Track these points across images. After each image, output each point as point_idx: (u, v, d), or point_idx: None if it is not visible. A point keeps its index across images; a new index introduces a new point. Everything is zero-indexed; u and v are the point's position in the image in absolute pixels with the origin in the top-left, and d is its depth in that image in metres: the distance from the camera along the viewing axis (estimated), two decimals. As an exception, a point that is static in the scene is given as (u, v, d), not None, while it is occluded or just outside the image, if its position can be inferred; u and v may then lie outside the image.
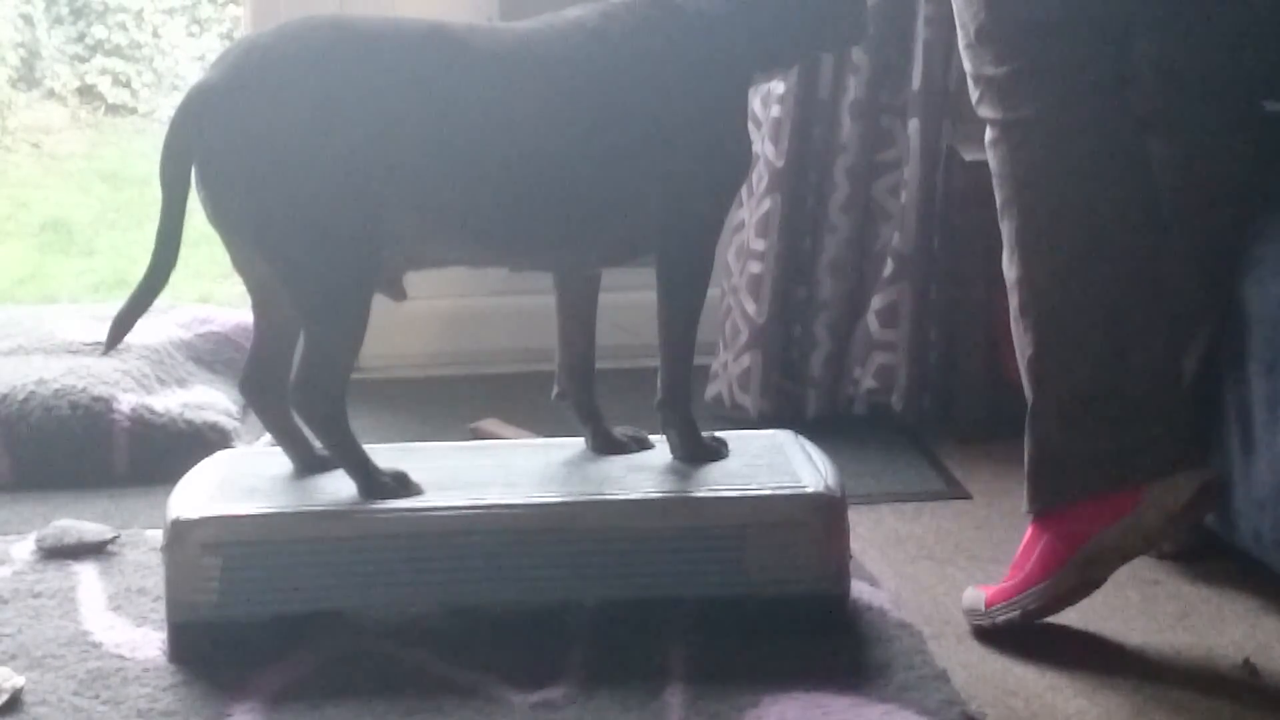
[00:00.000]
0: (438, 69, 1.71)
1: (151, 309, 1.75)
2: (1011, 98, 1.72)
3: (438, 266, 1.83)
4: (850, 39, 1.94)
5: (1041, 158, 1.71)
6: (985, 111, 1.77)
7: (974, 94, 1.78)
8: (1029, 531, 1.76)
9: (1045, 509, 1.74)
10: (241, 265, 1.77)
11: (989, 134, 1.77)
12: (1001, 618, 1.74)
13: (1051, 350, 1.72)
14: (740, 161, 1.84)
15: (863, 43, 2.17)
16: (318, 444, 1.79)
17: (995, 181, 1.77)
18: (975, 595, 1.81)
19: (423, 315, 2.84)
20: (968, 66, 1.79)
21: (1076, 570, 1.70)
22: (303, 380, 1.72)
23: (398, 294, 1.83)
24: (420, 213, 1.71)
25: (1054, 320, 1.72)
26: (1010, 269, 1.76)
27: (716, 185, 1.81)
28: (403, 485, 1.73)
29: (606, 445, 1.87)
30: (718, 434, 1.86)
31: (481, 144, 1.71)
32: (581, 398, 1.87)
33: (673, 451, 1.83)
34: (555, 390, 1.89)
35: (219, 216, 1.71)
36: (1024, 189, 1.73)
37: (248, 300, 1.80)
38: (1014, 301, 1.76)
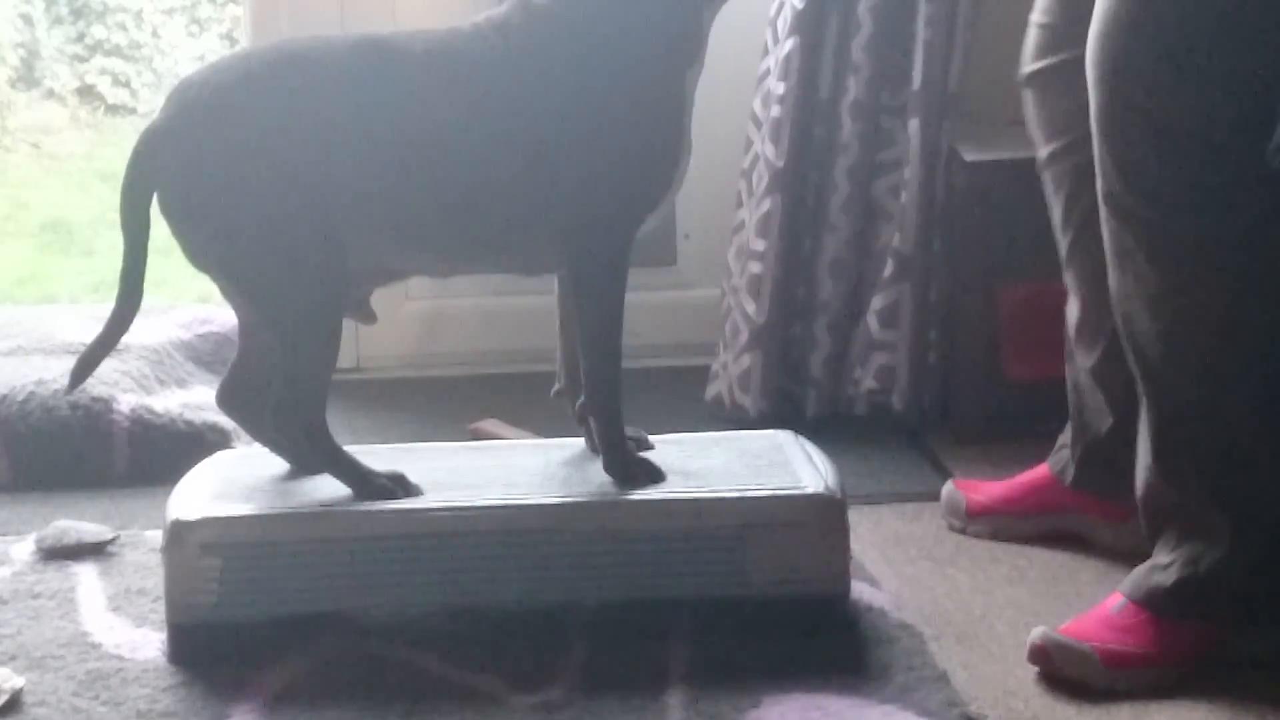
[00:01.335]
0: (368, 80, 1.72)
1: (152, 309, 1.76)
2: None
3: (396, 280, 1.84)
4: None
5: None
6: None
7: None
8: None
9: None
10: (224, 292, 1.79)
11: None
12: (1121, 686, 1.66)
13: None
14: (655, 160, 1.77)
15: None
16: None
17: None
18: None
19: (423, 315, 2.84)
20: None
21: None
22: (280, 402, 1.74)
23: (367, 317, 1.84)
24: (370, 224, 1.72)
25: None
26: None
27: (626, 184, 1.76)
28: (400, 486, 1.73)
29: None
30: (651, 462, 1.79)
31: (413, 149, 1.72)
32: (579, 398, 1.87)
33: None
34: (555, 387, 1.89)
35: (188, 252, 1.75)
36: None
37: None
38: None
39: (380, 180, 1.71)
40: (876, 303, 2.53)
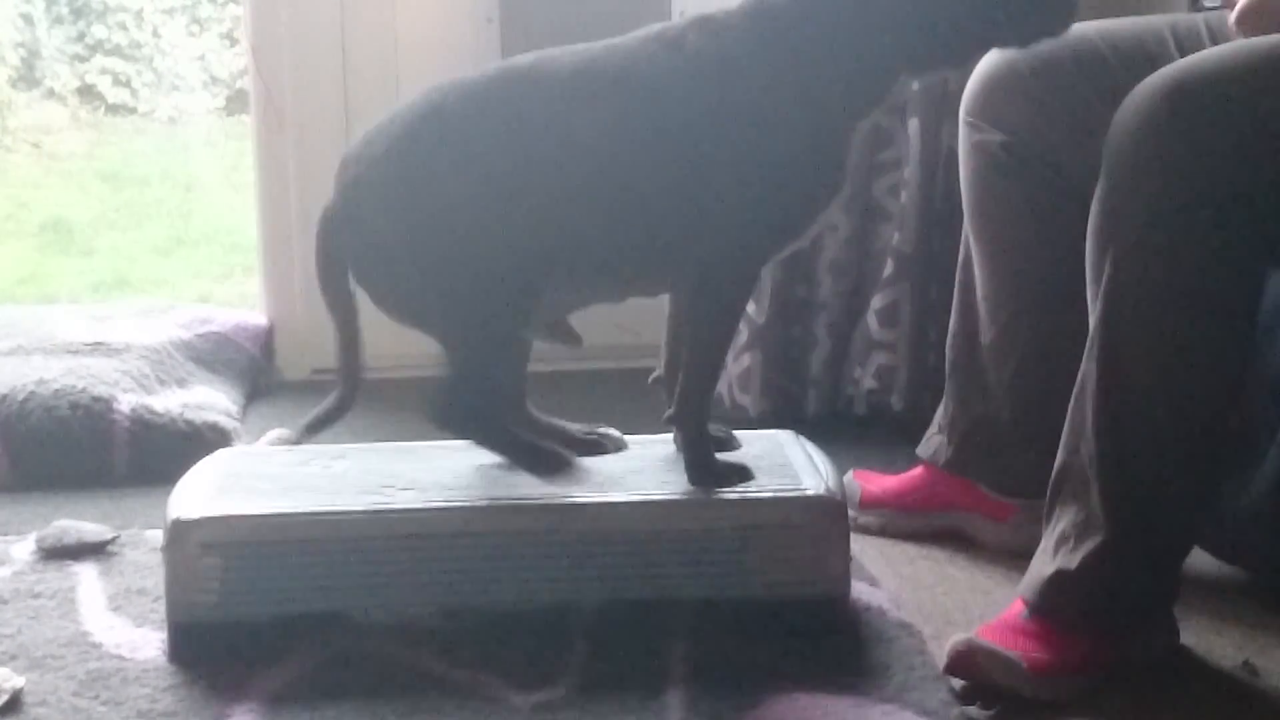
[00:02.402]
0: (517, 113, 1.70)
1: (151, 309, 1.76)
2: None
3: (581, 307, 1.83)
4: (1043, 29, 1.71)
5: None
6: None
7: None
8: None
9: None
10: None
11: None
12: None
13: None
14: (810, 199, 1.72)
15: (1065, 29, 1.72)
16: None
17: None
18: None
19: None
20: None
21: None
22: (447, 402, 1.77)
23: (572, 340, 1.86)
24: (550, 259, 1.71)
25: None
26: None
27: (777, 217, 1.72)
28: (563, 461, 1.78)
29: None
30: (738, 463, 1.79)
31: (593, 175, 1.69)
32: (674, 391, 1.85)
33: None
34: (654, 374, 1.89)
35: (394, 316, 1.78)
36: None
37: (247, 300, 1.81)
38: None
39: (558, 210, 1.69)
40: (876, 303, 2.53)
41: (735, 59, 1.68)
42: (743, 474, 1.75)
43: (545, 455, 1.79)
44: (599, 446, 1.86)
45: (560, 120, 1.70)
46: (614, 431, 1.89)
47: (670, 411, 1.82)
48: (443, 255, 1.70)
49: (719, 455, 1.78)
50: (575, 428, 1.88)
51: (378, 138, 1.74)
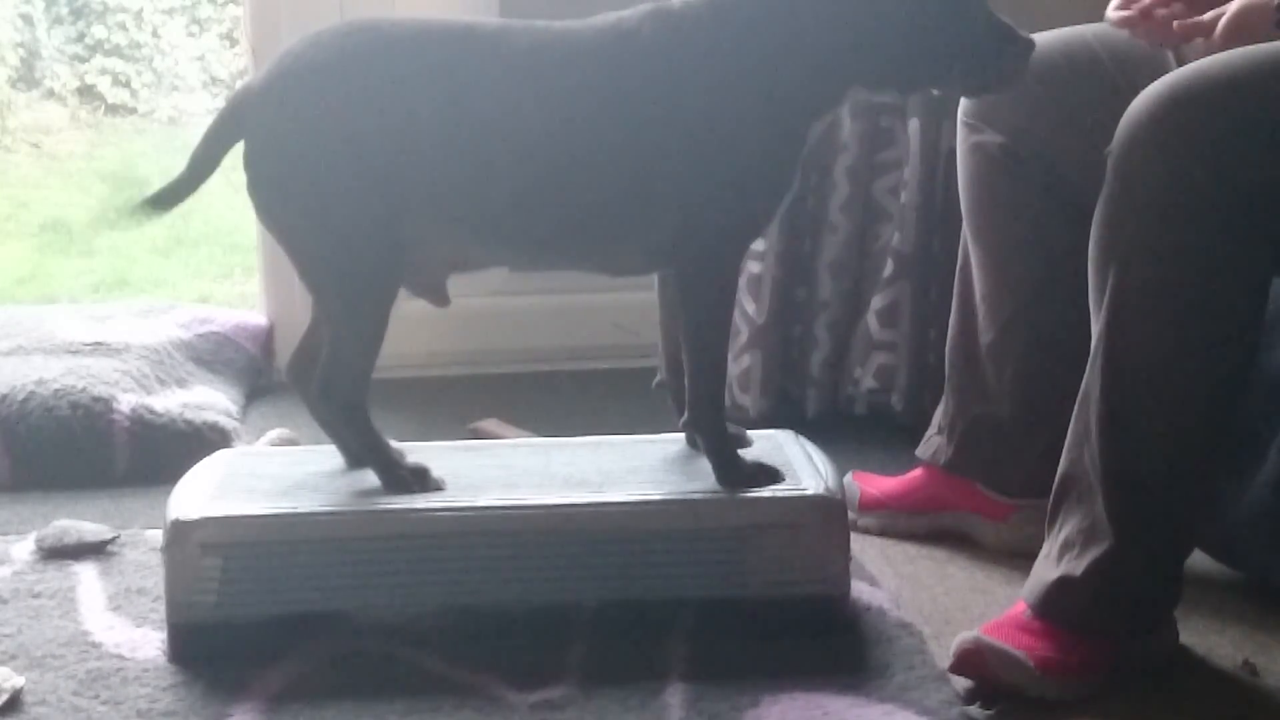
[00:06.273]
0: (462, 68, 1.71)
1: (152, 309, 1.76)
2: None
3: (476, 269, 1.83)
4: (983, 84, 1.76)
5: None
6: None
7: None
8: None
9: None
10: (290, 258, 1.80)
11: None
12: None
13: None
14: (766, 191, 1.75)
15: (1006, 91, 1.80)
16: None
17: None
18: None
19: (423, 315, 2.83)
20: None
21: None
22: (324, 380, 1.75)
23: (440, 299, 1.85)
24: (447, 214, 1.72)
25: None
26: None
27: (735, 210, 1.74)
28: (420, 481, 1.75)
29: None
30: (765, 463, 1.79)
31: (500, 144, 1.71)
32: (679, 389, 1.86)
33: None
34: (656, 379, 1.89)
35: (258, 208, 1.77)
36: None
37: (247, 300, 1.81)
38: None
39: (462, 171, 1.71)
40: (876, 303, 2.53)
41: (690, 50, 1.70)
42: (772, 475, 1.75)
43: (404, 473, 1.76)
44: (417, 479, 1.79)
45: (506, 87, 1.71)
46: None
47: (685, 417, 1.82)
48: (334, 175, 1.70)
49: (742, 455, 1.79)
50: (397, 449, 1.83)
51: (327, 45, 1.74)
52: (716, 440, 1.77)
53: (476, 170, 1.71)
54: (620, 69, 1.72)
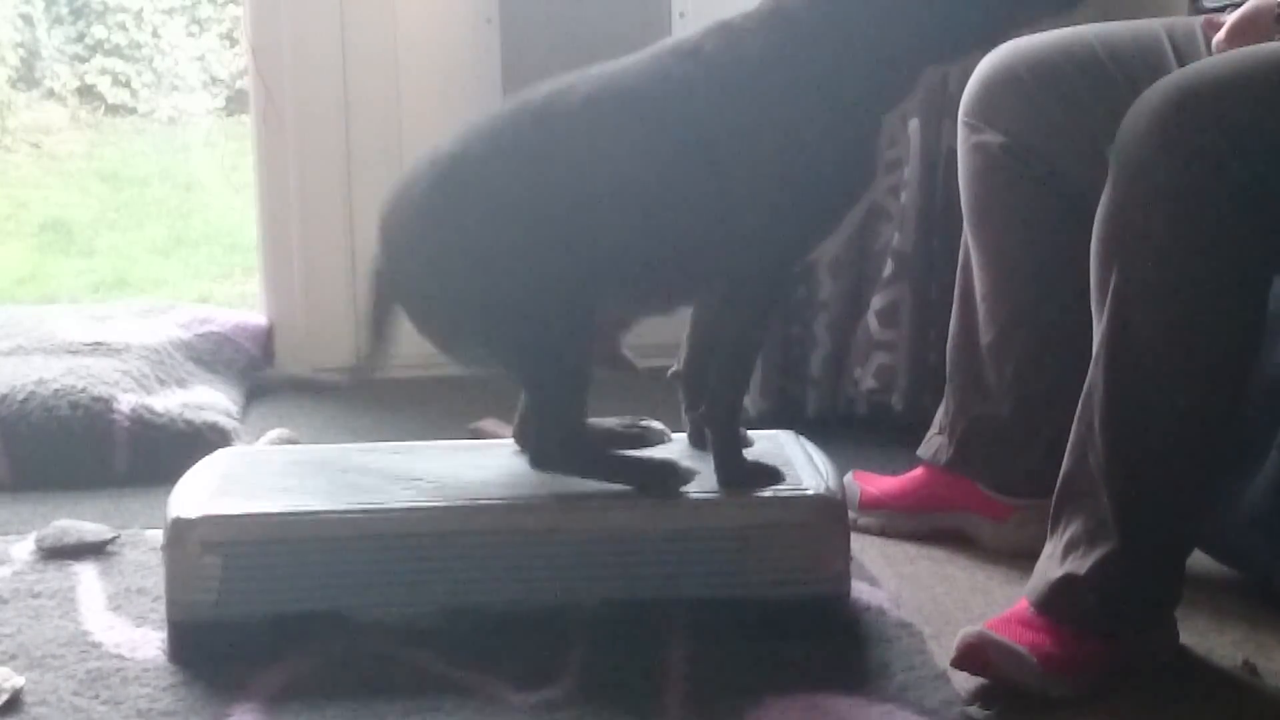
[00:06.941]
0: (581, 133, 1.69)
1: (151, 309, 1.76)
2: None
3: (631, 325, 1.84)
4: (1059, 4, 1.69)
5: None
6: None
7: None
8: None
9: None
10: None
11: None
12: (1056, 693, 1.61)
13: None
14: (840, 195, 1.71)
15: (1081, 6, 1.70)
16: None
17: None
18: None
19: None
20: None
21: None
22: (543, 445, 1.75)
23: (625, 365, 1.85)
24: (609, 275, 1.70)
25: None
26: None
27: (808, 217, 1.70)
28: (672, 475, 1.74)
29: (705, 443, 1.84)
30: (769, 465, 1.78)
31: (635, 195, 1.68)
32: (693, 382, 1.86)
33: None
34: (672, 369, 1.89)
35: (452, 354, 1.78)
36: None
37: (247, 300, 1.81)
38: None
39: (608, 229, 1.68)
40: (876, 303, 2.53)
41: (754, 63, 1.66)
42: (773, 476, 1.75)
43: (653, 469, 1.76)
44: (641, 440, 1.85)
45: (582, 146, 1.68)
46: (656, 423, 1.88)
47: (700, 408, 1.82)
48: (493, 298, 1.68)
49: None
50: (615, 422, 1.87)
51: (408, 192, 1.73)
52: (726, 439, 1.77)
53: (615, 225, 1.68)
54: (688, 91, 1.67)
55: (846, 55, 1.66)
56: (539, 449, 1.75)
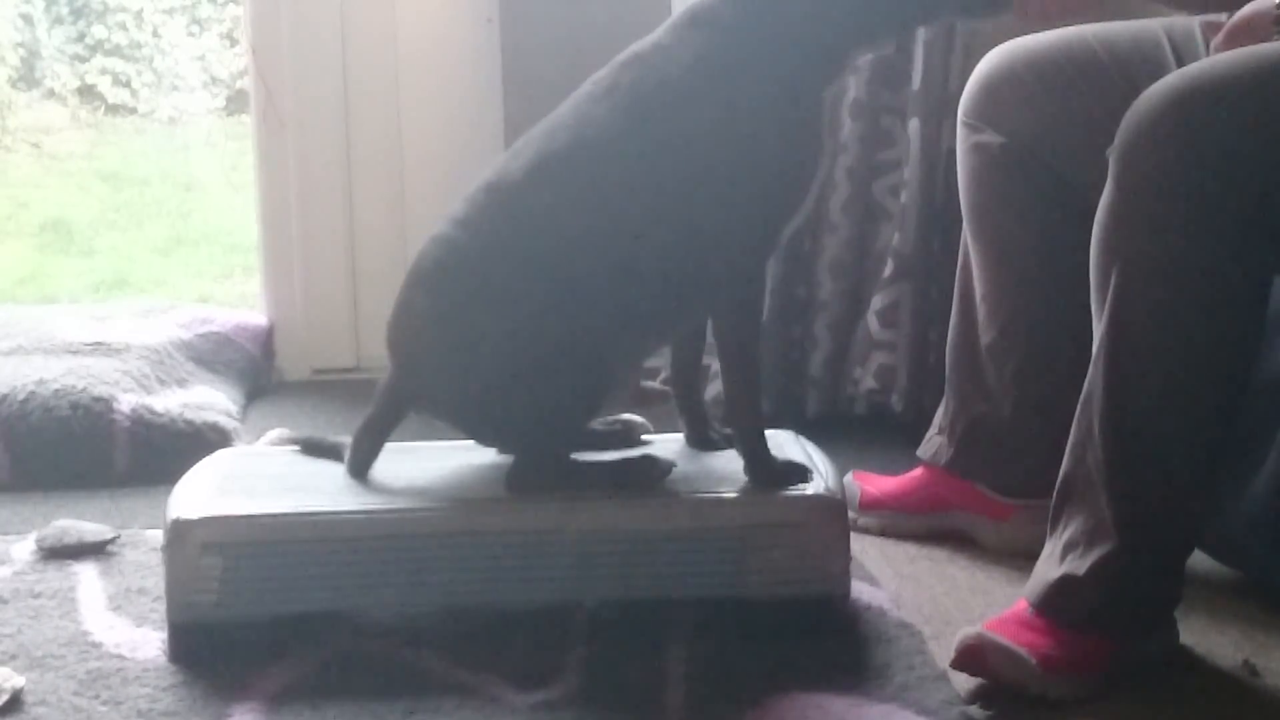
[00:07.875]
0: (585, 182, 1.70)
1: (151, 309, 1.76)
2: None
3: (641, 366, 1.85)
4: (990, 4, 1.74)
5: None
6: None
7: None
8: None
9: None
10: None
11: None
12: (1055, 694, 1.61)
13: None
14: (800, 175, 1.73)
15: (999, 15, 1.76)
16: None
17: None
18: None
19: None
20: None
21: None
22: (518, 470, 1.75)
23: (658, 397, 1.87)
24: (614, 327, 1.71)
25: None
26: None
27: (772, 204, 1.72)
28: (653, 466, 1.76)
29: (702, 443, 1.86)
30: (795, 460, 1.79)
31: (606, 240, 1.69)
32: (684, 392, 1.87)
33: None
34: (662, 376, 1.90)
35: (462, 425, 1.79)
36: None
37: (247, 300, 1.81)
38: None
39: (590, 294, 1.68)
40: (876, 303, 2.54)
41: (678, 78, 1.69)
42: (802, 474, 1.76)
43: (631, 466, 1.77)
44: (623, 437, 1.86)
45: (540, 213, 1.70)
46: (636, 417, 1.89)
47: (693, 409, 1.84)
48: (520, 375, 1.69)
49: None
50: (595, 422, 1.86)
51: (409, 309, 1.75)
52: (752, 438, 1.77)
53: (599, 274, 1.69)
54: (619, 132, 1.70)
55: (771, 45, 1.69)
56: (514, 473, 1.75)
